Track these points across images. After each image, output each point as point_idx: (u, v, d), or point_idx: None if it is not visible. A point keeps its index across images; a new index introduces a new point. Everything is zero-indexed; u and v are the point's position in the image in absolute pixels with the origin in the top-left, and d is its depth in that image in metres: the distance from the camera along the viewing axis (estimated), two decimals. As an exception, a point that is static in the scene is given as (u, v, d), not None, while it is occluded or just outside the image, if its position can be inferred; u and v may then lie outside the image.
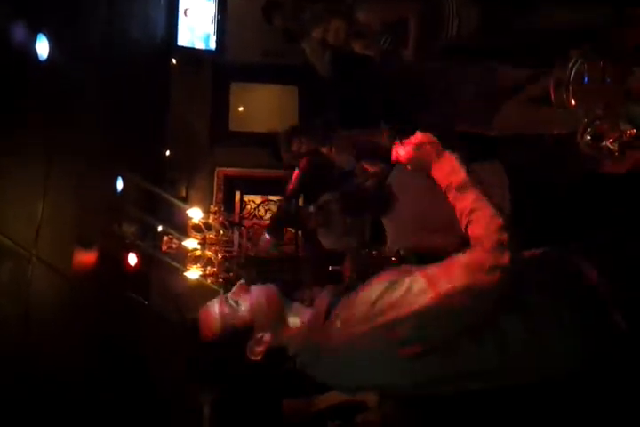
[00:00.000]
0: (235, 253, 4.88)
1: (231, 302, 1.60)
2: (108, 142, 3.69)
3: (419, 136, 1.64)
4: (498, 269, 1.38)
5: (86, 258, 3.32)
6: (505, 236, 1.41)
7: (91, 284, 3.30)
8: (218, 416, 4.87)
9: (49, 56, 2.75)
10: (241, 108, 6.23)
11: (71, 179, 3.06)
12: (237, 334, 1.57)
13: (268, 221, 5.77)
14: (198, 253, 4.41)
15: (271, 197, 5.94)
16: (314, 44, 4.14)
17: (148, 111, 4.77)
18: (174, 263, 4.49)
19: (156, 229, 4.58)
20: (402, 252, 4.23)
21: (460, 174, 1.53)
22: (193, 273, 4.42)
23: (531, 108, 2.25)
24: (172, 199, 4.74)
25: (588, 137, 1.54)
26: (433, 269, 1.46)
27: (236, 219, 5.58)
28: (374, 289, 1.49)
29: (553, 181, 2.72)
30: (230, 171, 5.84)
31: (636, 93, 1.50)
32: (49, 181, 2.72)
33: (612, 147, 1.53)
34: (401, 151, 1.67)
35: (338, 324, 1.50)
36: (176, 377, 4.62)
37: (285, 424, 3.95)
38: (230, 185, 5.84)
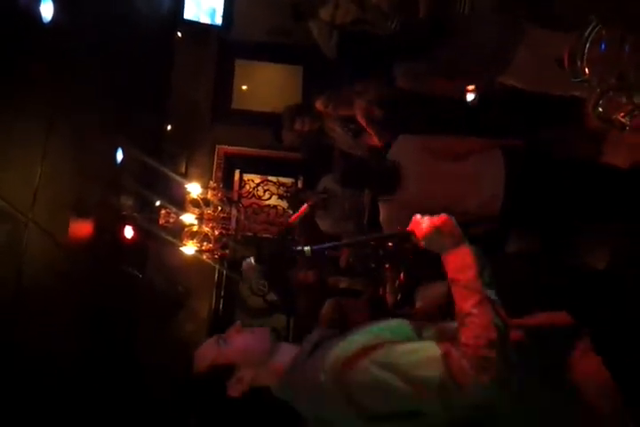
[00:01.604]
0: (232, 231, 4.85)
1: (221, 341, 1.67)
2: (109, 113, 3.65)
3: (443, 219, 1.56)
4: (475, 385, 1.33)
5: (82, 227, 3.29)
6: (493, 353, 1.34)
7: (85, 253, 3.28)
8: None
9: (53, 19, 2.70)
10: (244, 87, 6.17)
11: (71, 146, 3.03)
12: (221, 371, 1.64)
13: (268, 202, 5.75)
14: (195, 228, 4.38)
15: (270, 178, 5.90)
16: (321, 24, 4.09)
17: (150, 84, 4.72)
18: (171, 238, 4.46)
19: (154, 202, 4.54)
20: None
21: (469, 274, 1.45)
22: (189, 248, 4.40)
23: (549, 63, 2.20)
24: (171, 174, 4.69)
25: (600, 109, 1.49)
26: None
27: (235, 197, 5.54)
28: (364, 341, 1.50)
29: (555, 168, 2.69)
30: (231, 149, 5.79)
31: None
32: (48, 146, 2.69)
33: (623, 120, 1.49)
34: (419, 227, 1.59)
35: (319, 375, 1.49)
36: (166, 350, 4.62)
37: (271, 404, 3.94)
38: (230, 163, 5.78)
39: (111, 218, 3.83)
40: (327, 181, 4.39)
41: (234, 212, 5.01)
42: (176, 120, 5.46)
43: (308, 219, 4.46)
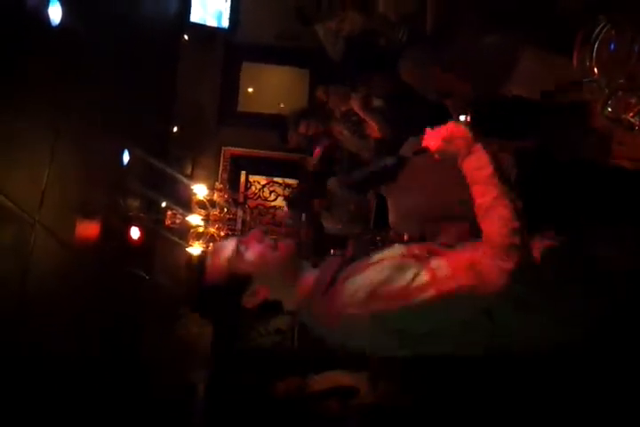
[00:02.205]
0: (238, 232, 4.88)
1: (242, 247, 1.59)
2: (116, 114, 3.66)
3: (451, 128, 1.60)
4: (503, 274, 1.36)
5: (89, 228, 3.31)
6: (517, 240, 1.39)
7: (92, 254, 3.30)
8: (211, 394, 4.89)
9: (61, 22, 2.72)
10: (251, 89, 6.19)
11: (78, 147, 3.04)
12: (237, 281, 1.57)
13: (274, 203, 5.76)
14: (201, 229, 4.40)
15: (276, 179, 5.91)
16: (327, 29, 4.11)
17: (156, 86, 4.74)
18: (177, 239, 4.48)
19: (160, 203, 4.57)
20: (406, 237, 4.23)
21: (488, 170, 1.50)
22: (195, 249, 4.41)
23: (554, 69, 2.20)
24: (178, 175, 4.72)
25: (609, 109, 1.50)
26: (440, 263, 1.44)
27: (241, 198, 5.56)
28: (378, 273, 1.47)
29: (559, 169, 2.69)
30: (237, 151, 5.81)
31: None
32: (56, 148, 2.70)
33: (632, 120, 1.49)
34: (431, 141, 1.63)
35: (339, 298, 1.48)
36: (171, 352, 4.63)
37: (278, 404, 3.96)
38: (236, 165, 5.81)
39: (118, 219, 3.85)
40: (333, 184, 4.40)
41: (240, 213, 5.03)
42: (182, 122, 5.48)
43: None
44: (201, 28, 5.80)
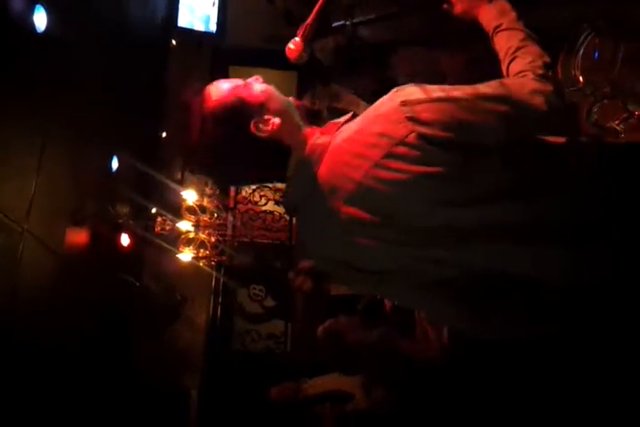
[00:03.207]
0: (228, 237, 4.86)
1: (249, 79, 1.52)
2: (104, 121, 3.64)
3: None
4: (542, 94, 1.28)
5: (78, 236, 3.28)
6: (550, 73, 1.35)
7: (82, 262, 3.27)
8: (205, 401, 4.87)
9: (46, 28, 2.70)
10: (239, 93, 6.18)
11: (66, 155, 3.03)
12: (245, 108, 1.45)
13: (264, 208, 5.74)
14: (192, 235, 4.38)
15: (266, 183, 5.89)
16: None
17: (144, 91, 4.72)
18: (167, 245, 4.46)
19: (150, 210, 4.55)
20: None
21: (511, 15, 1.47)
22: (186, 255, 4.40)
23: None
24: (167, 181, 4.69)
25: (595, 117, 1.50)
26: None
27: (231, 203, 5.54)
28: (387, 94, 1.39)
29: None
30: (226, 155, 5.79)
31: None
32: (44, 155, 2.69)
33: (618, 128, 1.50)
34: None
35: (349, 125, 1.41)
36: (163, 361, 4.61)
37: (273, 408, 3.95)
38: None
39: (107, 226, 3.83)
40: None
41: (230, 218, 5.01)
42: (171, 126, 5.45)
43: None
44: (189, 33, 5.78)
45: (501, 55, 1.44)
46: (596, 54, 1.54)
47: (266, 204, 5.78)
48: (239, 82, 1.51)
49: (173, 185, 4.80)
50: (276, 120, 1.45)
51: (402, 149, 1.26)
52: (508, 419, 2.14)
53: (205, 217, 4.45)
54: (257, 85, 1.50)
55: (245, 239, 5.34)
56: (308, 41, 2.02)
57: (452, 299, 1.39)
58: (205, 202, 4.45)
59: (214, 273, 5.10)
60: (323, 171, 1.40)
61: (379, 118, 1.32)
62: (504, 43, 1.44)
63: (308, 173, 1.41)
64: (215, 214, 4.52)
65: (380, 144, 1.29)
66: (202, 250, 4.40)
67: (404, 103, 1.28)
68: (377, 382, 3.25)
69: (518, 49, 1.40)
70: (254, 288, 5.39)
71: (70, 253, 3.13)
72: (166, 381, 4.71)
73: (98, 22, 3.51)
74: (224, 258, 4.77)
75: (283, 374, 4.27)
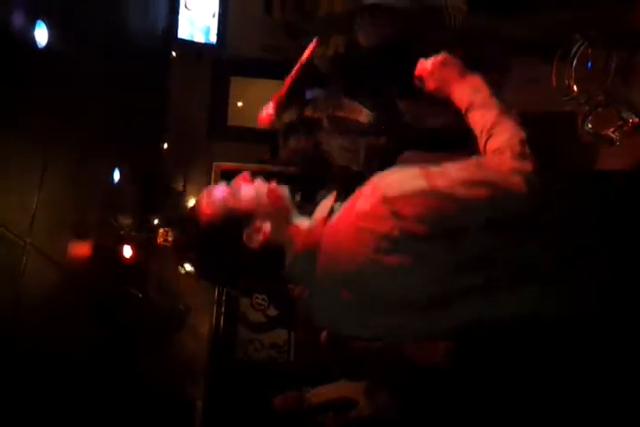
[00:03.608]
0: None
1: (234, 187, 1.56)
2: (106, 133, 3.67)
3: (445, 55, 1.58)
4: (520, 174, 1.28)
5: (81, 249, 3.30)
6: (528, 150, 1.32)
7: (85, 274, 3.29)
8: (210, 411, 4.87)
9: (47, 43, 2.73)
10: (240, 104, 6.20)
11: (68, 168, 3.05)
12: (236, 219, 1.50)
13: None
14: (194, 246, 4.38)
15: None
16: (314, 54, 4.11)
17: (145, 103, 4.75)
18: (170, 257, 4.47)
19: (152, 221, 4.56)
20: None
21: (484, 92, 1.47)
22: (188, 267, 4.40)
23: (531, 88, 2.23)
24: (169, 192, 4.71)
25: (589, 125, 1.52)
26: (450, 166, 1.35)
27: (233, 213, 5.55)
28: (367, 184, 1.42)
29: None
30: (228, 166, 5.81)
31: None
32: (46, 170, 2.71)
33: (613, 136, 1.51)
34: (423, 68, 1.61)
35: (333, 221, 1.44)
36: (167, 370, 4.62)
37: (276, 417, 3.94)
38: (227, 179, 5.75)
39: (109, 238, 3.85)
40: (325, 195, 4.39)
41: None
42: (173, 139, 5.49)
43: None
44: (189, 45, 5.82)
45: (477, 132, 1.43)
46: (590, 64, 1.55)
47: (268, 213, 5.80)
48: (226, 190, 1.56)
49: (175, 196, 4.82)
50: (267, 227, 1.48)
51: (388, 243, 1.31)
52: (513, 424, 2.14)
53: (207, 227, 4.46)
54: (244, 192, 1.55)
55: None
56: (281, 110, 2.06)
57: None
58: (207, 213, 4.46)
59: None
60: (320, 264, 1.44)
61: (361, 214, 1.36)
62: (479, 120, 1.43)
63: (306, 267, 1.46)
64: (217, 225, 4.53)
65: (367, 241, 1.33)
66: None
67: (384, 199, 1.31)
68: (381, 388, 3.24)
69: (494, 126, 1.39)
70: (257, 298, 5.40)
71: (73, 265, 3.14)
72: (171, 391, 4.72)
73: (98, 35, 3.54)
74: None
75: (286, 383, 4.27)
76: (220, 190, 1.56)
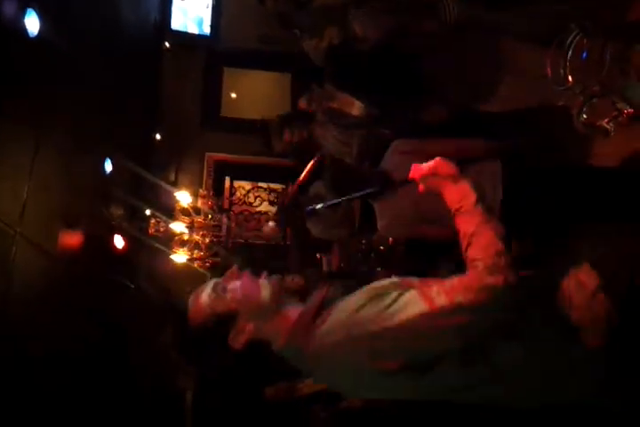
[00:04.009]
0: (222, 238, 4.86)
1: (219, 288, 1.59)
2: (98, 123, 3.66)
3: (438, 162, 1.64)
4: (488, 290, 1.38)
5: (72, 238, 3.29)
6: (502, 260, 1.42)
7: (76, 264, 3.28)
8: (200, 402, 4.87)
9: (39, 32, 2.71)
10: (233, 95, 6.19)
11: (59, 158, 3.03)
12: (221, 321, 1.56)
13: (259, 208, 5.76)
14: (186, 236, 4.39)
15: (261, 184, 5.91)
16: (308, 45, 4.10)
17: (138, 93, 4.73)
18: (161, 247, 4.46)
19: (144, 211, 4.55)
20: (391, 240, 4.23)
21: (470, 199, 1.54)
22: (180, 257, 4.40)
23: (532, 83, 2.23)
24: (161, 182, 4.70)
25: (584, 116, 1.52)
26: (428, 283, 1.45)
27: (226, 204, 5.55)
28: (360, 297, 1.48)
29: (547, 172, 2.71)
30: (220, 156, 5.81)
31: (635, 71, 1.48)
32: (36, 159, 2.70)
33: (607, 126, 1.51)
34: (418, 171, 1.68)
35: (322, 328, 1.48)
36: (158, 361, 4.62)
37: (268, 408, 3.95)
38: (220, 171, 5.79)
39: (101, 228, 3.84)
40: (318, 188, 4.40)
41: (224, 219, 5.02)
42: (165, 129, 5.47)
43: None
44: (182, 35, 5.80)
45: (460, 235, 1.52)
46: (585, 54, 1.55)
47: (260, 204, 5.80)
48: (211, 294, 1.58)
49: (167, 186, 4.81)
50: (250, 326, 1.54)
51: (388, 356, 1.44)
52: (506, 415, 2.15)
53: (199, 218, 4.46)
54: (230, 291, 1.58)
55: (240, 240, 5.35)
56: (283, 225, 2.09)
57: None
58: (199, 203, 4.47)
59: (209, 274, 5.11)
60: (310, 353, 1.50)
61: (364, 335, 1.43)
62: (463, 225, 1.52)
63: (295, 354, 1.53)
64: (209, 216, 4.53)
65: (363, 354, 1.44)
66: (196, 251, 4.42)
67: (363, 327, 1.42)
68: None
69: (474, 234, 1.48)
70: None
71: (64, 255, 3.13)
72: (162, 382, 4.72)
73: (91, 25, 3.52)
74: (218, 259, 4.78)
75: (277, 373, 4.28)
76: (206, 292, 1.59)
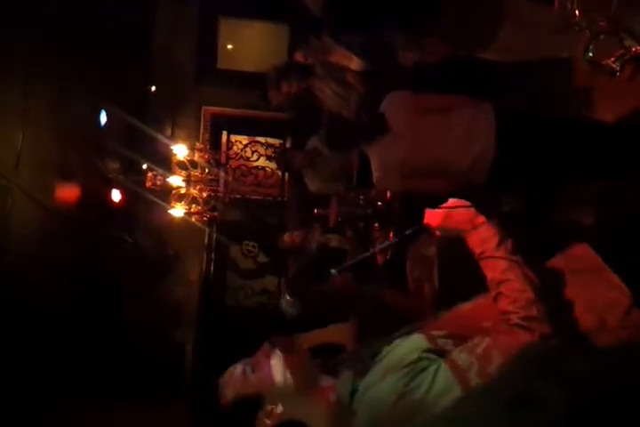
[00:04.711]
0: (220, 193, 4.83)
1: (248, 368, 1.50)
2: (91, 74, 3.57)
3: (452, 211, 1.58)
4: (522, 347, 1.30)
5: (68, 191, 3.26)
6: (534, 311, 1.35)
7: (72, 217, 3.26)
8: (199, 355, 4.93)
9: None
10: (230, 46, 6.04)
11: (52, 108, 2.97)
12: (249, 403, 1.48)
13: (254, 163, 5.71)
14: (183, 190, 4.35)
15: (258, 138, 5.83)
16: None
17: (131, 43, 4.60)
18: (158, 200, 4.43)
19: (141, 165, 4.49)
20: (389, 195, 4.21)
21: (491, 243, 1.48)
22: (177, 211, 4.37)
23: (535, 32, 2.15)
24: (157, 136, 4.62)
25: (590, 54, 1.45)
26: (460, 355, 1.35)
27: (223, 158, 5.49)
28: (389, 389, 1.35)
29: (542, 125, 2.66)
30: (217, 110, 5.70)
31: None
32: (29, 111, 2.64)
33: (613, 65, 1.45)
34: (432, 220, 1.61)
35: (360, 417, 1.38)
36: (158, 316, 4.65)
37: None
38: (217, 124, 5.69)
39: (97, 181, 3.79)
40: (316, 141, 4.34)
41: (222, 174, 4.97)
42: (160, 81, 5.35)
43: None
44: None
45: (488, 280, 1.47)
46: None
47: (258, 159, 5.74)
48: (239, 376, 1.50)
49: (164, 140, 4.73)
50: (278, 409, 1.45)
51: None
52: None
53: (196, 172, 4.41)
54: (258, 372, 1.49)
55: (237, 195, 5.32)
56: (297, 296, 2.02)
57: None
58: (196, 157, 4.41)
59: (206, 229, 5.10)
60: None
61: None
62: (488, 272, 1.47)
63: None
64: (206, 169, 4.48)
65: None
66: (193, 205, 4.38)
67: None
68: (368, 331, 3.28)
69: (500, 283, 1.42)
70: (247, 244, 5.40)
71: (60, 207, 3.11)
72: (161, 335, 4.76)
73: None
74: (216, 214, 4.76)
75: (276, 328, 4.31)
76: (236, 372, 1.52)
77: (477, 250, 1.50)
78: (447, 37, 2.59)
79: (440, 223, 1.60)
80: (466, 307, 1.63)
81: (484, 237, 1.50)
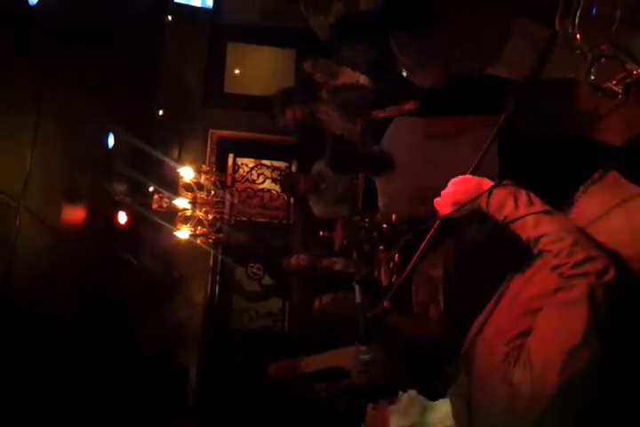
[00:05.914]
0: (226, 215, 4.85)
1: None
2: (100, 98, 3.61)
3: (459, 179, 1.58)
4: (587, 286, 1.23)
5: (75, 213, 3.28)
6: (580, 255, 1.28)
7: (78, 239, 3.27)
8: (203, 377, 4.90)
9: (39, 1, 2.66)
10: (237, 71, 6.12)
11: (62, 131, 3.01)
12: None
13: (260, 186, 5.73)
14: (189, 212, 4.37)
15: (264, 161, 5.88)
16: (315, 22, 4.03)
17: (141, 68, 4.67)
18: (164, 223, 4.44)
19: (147, 187, 4.52)
20: (394, 219, 4.22)
21: (510, 203, 1.44)
22: (183, 233, 4.38)
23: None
24: (164, 158, 4.66)
25: (592, 77, 1.46)
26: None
27: (229, 181, 5.52)
28: None
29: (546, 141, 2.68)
30: (224, 133, 5.75)
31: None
32: (38, 132, 2.67)
33: (615, 88, 1.45)
34: (442, 206, 1.59)
35: None
36: (162, 338, 4.63)
37: (270, 385, 3.97)
38: (223, 147, 5.75)
39: (104, 203, 3.82)
40: (321, 165, 4.37)
41: (228, 196, 5.00)
42: (168, 105, 5.41)
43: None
44: (185, 8, 5.71)
45: (524, 243, 1.42)
46: (594, 10, 1.48)
47: (263, 182, 5.78)
48: None
49: (171, 162, 4.77)
50: None
51: None
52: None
53: (202, 194, 4.44)
54: None
55: (243, 218, 5.34)
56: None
57: None
58: (202, 179, 4.43)
59: (212, 251, 5.10)
60: None
61: None
62: (521, 233, 1.41)
63: None
64: (212, 192, 4.50)
65: None
66: (199, 227, 4.39)
67: None
68: (376, 358, 3.26)
69: (536, 241, 1.36)
70: (252, 267, 5.40)
71: (67, 229, 3.12)
72: (165, 357, 4.74)
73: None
74: (221, 236, 4.77)
75: (280, 351, 4.29)
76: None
77: (500, 217, 1.45)
78: (452, 55, 2.61)
79: (451, 203, 1.56)
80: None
81: (500, 201, 1.46)
